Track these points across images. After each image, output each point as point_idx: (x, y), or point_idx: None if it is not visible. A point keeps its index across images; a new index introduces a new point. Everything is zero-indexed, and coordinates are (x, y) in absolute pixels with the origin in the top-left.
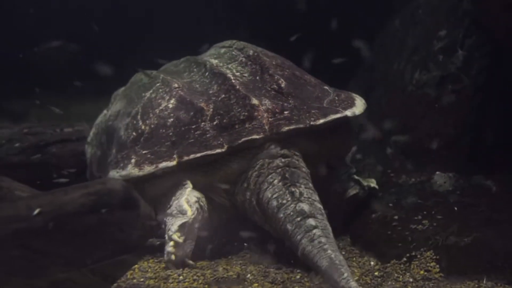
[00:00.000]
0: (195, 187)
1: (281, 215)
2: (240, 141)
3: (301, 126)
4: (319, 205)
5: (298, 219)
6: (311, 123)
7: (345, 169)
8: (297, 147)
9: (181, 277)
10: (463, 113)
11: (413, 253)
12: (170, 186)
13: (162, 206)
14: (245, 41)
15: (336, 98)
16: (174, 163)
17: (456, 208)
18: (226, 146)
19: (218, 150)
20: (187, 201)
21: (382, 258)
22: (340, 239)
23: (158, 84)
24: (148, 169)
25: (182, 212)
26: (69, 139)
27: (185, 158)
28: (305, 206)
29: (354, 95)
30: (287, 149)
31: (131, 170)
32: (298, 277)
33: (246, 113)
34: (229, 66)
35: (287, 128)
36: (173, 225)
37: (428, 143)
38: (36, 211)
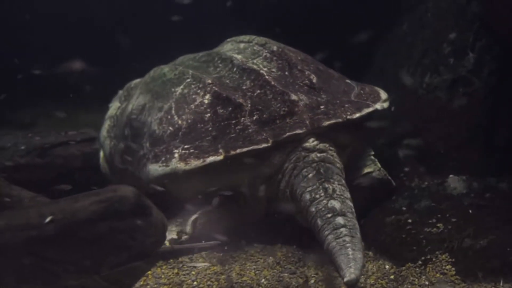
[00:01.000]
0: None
1: (313, 209)
2: (285, 136)
3: (340, 120)
4: (350, 203)
5: (329, 215)
6: (348, 117)
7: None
8: (333, 141)
9: (195, 283)
10: (475, 115)
11: (428, 256)
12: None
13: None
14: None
15: (362, 92)
16: (221, 157)
17: (470, 211)
18: (271, 141)
19: (264, 145)
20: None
21: (397, 261)
22: None
23: (188, 80)
24: (195, 163)
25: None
26: (74, 140)
27: (232, 152)
28: (336, 204)
29: (376, 88)
30: (323, 144)
31: (177, 164)
32: (312, 281)
33: (286, 109)
34: (254, 61)
35: (327, 122)
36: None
37: (440, 146)
38: (48, 219)
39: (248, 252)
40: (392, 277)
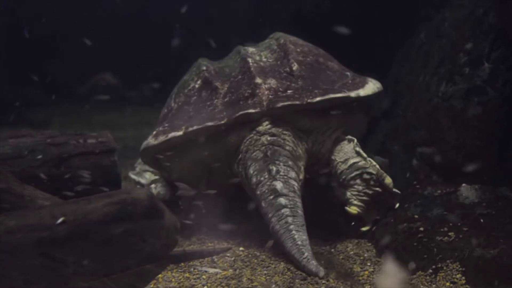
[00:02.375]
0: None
1: (258, 192)
2: (237, 114)
3: (297, 102)
4: (293, 183)
5: (271, 197)
6: (308, 100)
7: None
8: (293, 125)
9: (205, 287)
10: (489, 125)
11: (439, 265)
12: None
13: None
14: None
15: (350, 81)
16: (180, 133)
17: (482, 220)
18: (226, 119)
19: (218, 122)
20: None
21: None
22: (366, 250)
23: (194, 68)
24: (161, 138)
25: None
26: (92, 152)
27: (190, 129)
28: (278, 185)
29: (369, 79)
30: (277, 128)
31: (150, 140)
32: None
33: (250, 91)
34: (261, 53)
35: (281, 104)
36: None
37: (454, 155)
38: (60, 220)
39: (259, 257)
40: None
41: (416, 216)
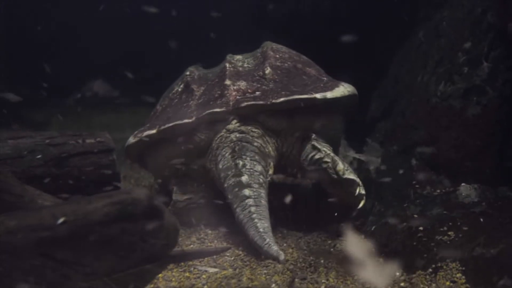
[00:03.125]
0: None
1: (226, 185)
2: (204, 113)
3: (261, 103)
4: (259, 175)
5: (236, 189)
6: (272, 101)
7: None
8: (262, 125)
9: (205, 287)
10: (489, 124)
11: (439, 264)
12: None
13: None
14: None
15: (322, 85)
16: (154, 131)
17: (482, 220)
18: (194, 118)
19: (186, 120)
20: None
21: (408, 268)
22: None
23: (181, 75)
24: (138, 135)
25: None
26: (91, 151)
27: (162, 127)
28: (243, 178)
29: (342, 83)
30: (246, 126)
31: (130, 139)
32: (323, 287)
33: (219, 92)
34: (245, 60)
35: (246, 103)
36: None
37: (453, 154)
38: (61, 220)
39: (259, 256)
40: (402, 284)
41: (415, 216)
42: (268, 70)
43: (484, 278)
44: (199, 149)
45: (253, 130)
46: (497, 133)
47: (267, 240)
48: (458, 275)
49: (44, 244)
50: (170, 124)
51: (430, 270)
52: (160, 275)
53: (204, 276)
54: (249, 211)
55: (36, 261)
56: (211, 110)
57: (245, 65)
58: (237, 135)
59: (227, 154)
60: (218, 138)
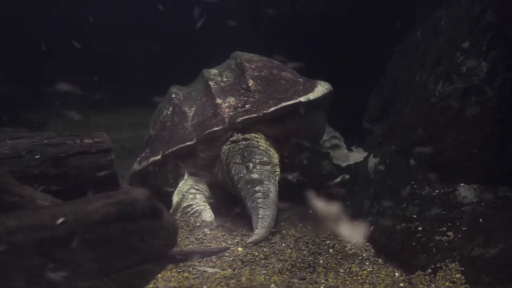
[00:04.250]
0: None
1: (239, 185)
2: (204, 134)
3: (254, 115)
4: (268, 173)
5: (248, 186)
6: (264, 111)
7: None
8: (258, 132)
9: (205, 287)
10: (487, 124)
11: (438, 265)
12: (171, 177)
13: None
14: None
15: (301, 87)
16: (159, 157)
17: (481, 220)
18: (195, 139)
19: (188, 143)
20: (178, 193)
21: (407, 269)
22: (364, 250)
23: (166, 96)
24: (143, 163)
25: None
26: (89, 151)
27: (166, 152)
28: (254, 176)
29: (319, 82)
30: (248, 134)
31: (135, 166)
32: (322, 287)
33: (212, 111)
34: (223, 73)
35: (241, 118)
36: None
37: (452, 154)
38: (60, 220)
39: (258, 256)
40: (401, 284)
41: (414, 216)
42: (251, 83)
43: (483, 279)
44: (206, 164)
45: (256, 135)
46: (496, 133)
47: (259, 223)
48: (458, 275)
49: (44, 244)
50: (174, 148)
51: (430, 270)
52: (159, 275)
53: (203, 276)
54: (257, 202)
55: (36, 261)
56: (210, 130)
57: (225, 79)
58: (244, 143)
59: (237, 160)
60: (226, 150)
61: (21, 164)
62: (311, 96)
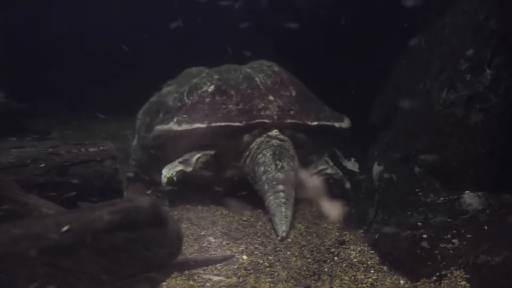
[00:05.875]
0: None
1: (264, 178)
2: (254, 121)
3: (300, 122)
4: (292, 179)
5: (274, 183)
6: (308, 122)
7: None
8: (292, 139)
9: None
10: (492, 132)
11: (443, 272)
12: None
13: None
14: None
15: (330, 114)
16: (204, 125)
17: (486, 227)
18: (244, 122)
19: (237, 124)
20: (197, 158)
21: (412, 276)
22: (369, 258)
23: (203, 75)
24: (185, 126)
25: (188, 163)
26: (94, 160)
27: (213, 124)
28: (281, 175)
29: (345, 116)
30: (283, 136)
31: (172, 126)
32: None
33: (263, 104)
34: (258, 75)
35: (289, 120)
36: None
37: (456, 162)
38: (65, 228)
39: (262, 264)
40: None
41: (419, 224)
42: (294, 93)
43: (488, 286)
44: (237, 148)
45: (288, 141)
46: (500, 140)
47: (284, 222)
48: (463, 283)
49: (48, 252)
50: (222, 124)
51: (435, 278)
52: (164, 283)
53: (208, 284)
54: (280, 201)
55: (40, 269)
56: (261, 120)
57: (263, 80)
58: (278, 142)
59: (268, 154)
60: (259, 141)
61: (26, 173)
62: (343, 124)
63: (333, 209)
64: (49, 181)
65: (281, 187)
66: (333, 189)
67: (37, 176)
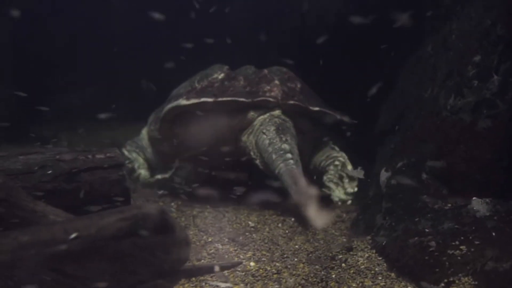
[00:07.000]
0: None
1: (270, 149)
2: (259, 98)
3: (301, 105)
4: (296, 150)
5: (281, 152)
6: (309, 107)
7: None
8: (294, 121)
9: None
10: (499, 138)
11: (451, 279)
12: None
13: None
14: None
15: (333, 109)
16: (211, 99)
17: (494, 234)
18: (250, 99)
19: (243, 99)
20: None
21: (420, 283)
22: (377, 264)
23: (216, 66)
24: (193, 100)
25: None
26: (101, 167)
27: (220, 98)
28: (287, 146)
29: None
30: (285, 116)
31: (181, 101)
32: None
33: (269, 87)
34: (270, 72)
35: (291, 101)
36: None
37: (464, 168)
38: (73, 235)
39: (270, 271)
40: None
41: (427, 230)
42: (299, 85)
43: None
44: (241, 125)
45: (290, 122)
46: (507, 146)
47: (298, 181)
48: None
49: (56, 260)
50: (228, 99)
51: (443, 284)
52: None
53: None
54: (292, 167)
55: (48, 276)
56: (265, 98)
57: (272, 74)
58: (280, 120)
59: (272, 129)
60: (262, 118)
61: (34, 180)
62: (345, 118)
63: (319, 216)
64: (57, 188)
65: (289, 155)
66: (339, 171)
67: (45, 182)
